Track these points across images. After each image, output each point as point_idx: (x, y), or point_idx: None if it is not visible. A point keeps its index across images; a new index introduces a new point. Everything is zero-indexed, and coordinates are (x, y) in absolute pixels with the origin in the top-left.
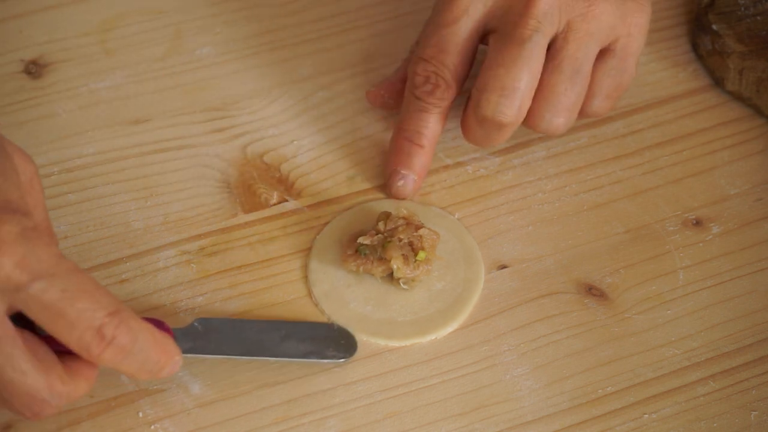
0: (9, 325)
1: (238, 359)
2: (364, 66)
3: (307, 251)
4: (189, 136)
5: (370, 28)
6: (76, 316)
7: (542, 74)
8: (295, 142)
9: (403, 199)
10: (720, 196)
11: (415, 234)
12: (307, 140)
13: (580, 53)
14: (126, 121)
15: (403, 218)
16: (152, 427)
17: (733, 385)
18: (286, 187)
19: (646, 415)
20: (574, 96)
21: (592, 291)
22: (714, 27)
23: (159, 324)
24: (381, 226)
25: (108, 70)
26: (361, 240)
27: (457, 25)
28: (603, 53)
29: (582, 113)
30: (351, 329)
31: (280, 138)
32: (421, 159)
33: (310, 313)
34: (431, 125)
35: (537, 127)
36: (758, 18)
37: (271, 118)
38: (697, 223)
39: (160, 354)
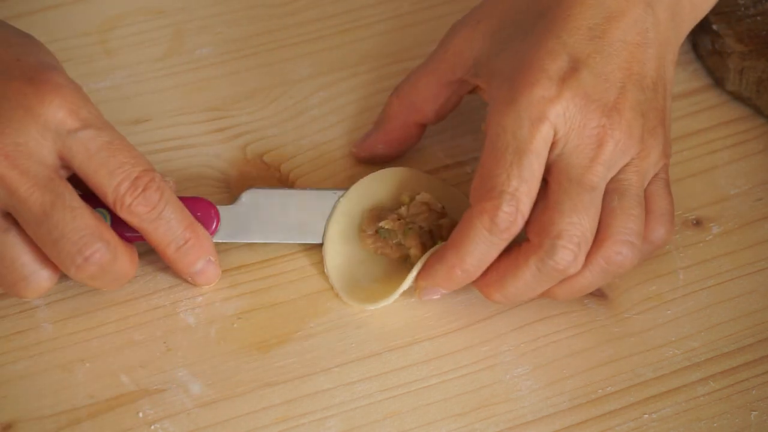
0: (58, 169)
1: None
2: (363, 66)
3: (307, 251)
4: (189, 136)
5: (370, 28)
6: (116, 166)
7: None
8: (295, 142)
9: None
10: (720, 196)
11: (436, 223)
12: (307, 140)
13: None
14: (126, 121)
15: (426, 203)
16: (152, 427)
17: (733, 385)
18: (286, 187)
19: (646, 415)
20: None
21: (593, 291)
22: (714, 27)
23: (203, 202)
24: (404, 210)
25: (108, 70)
26: (382, 224)
27: (537, 152)
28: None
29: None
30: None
31: (280, 138)
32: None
33: (310, 313)
34: (494, 256)
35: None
36: (758, 18)
37: (271, 118)
38: (697, 223)
39: (187, 228)
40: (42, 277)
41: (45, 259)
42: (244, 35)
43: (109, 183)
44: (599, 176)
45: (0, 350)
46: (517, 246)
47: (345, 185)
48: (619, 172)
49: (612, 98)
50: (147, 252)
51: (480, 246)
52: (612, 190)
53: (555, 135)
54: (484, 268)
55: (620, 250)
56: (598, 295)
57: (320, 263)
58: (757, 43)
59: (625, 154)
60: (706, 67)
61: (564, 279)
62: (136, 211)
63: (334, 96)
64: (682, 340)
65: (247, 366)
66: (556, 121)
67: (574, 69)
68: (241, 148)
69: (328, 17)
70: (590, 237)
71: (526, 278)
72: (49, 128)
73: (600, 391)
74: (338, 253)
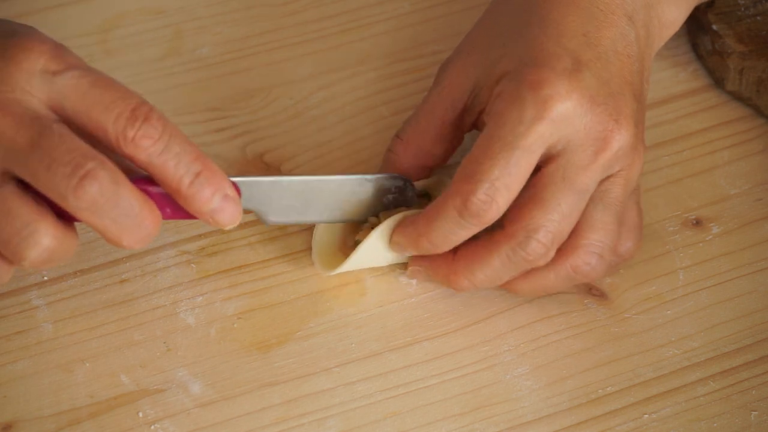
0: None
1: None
2: (363, 66)
3: (307, 251)
4: (189, 136)
5: (370, 28)
6: (111, 100)
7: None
8: (295, 142)
9: None
10: (720, 196)
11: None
12: (307, 140)
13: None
14: None
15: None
16: (152, 427)
17: (733, 385)
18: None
19: (646, 415)
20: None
21: (593, 291)
22: (714, 27)
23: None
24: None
25: (108, 70)
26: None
27: (531, 149)
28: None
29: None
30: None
31: (280, 138)
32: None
33: (309, 314)
34: (464, 237)
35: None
36: (758, 18)
37: (271, 117)
38: (697, 223)
39: (196, 160)
40: (41, 230)
41: (45, 211)
42: (244, 35)
43: (106, 118)
44: (593, 179)
45: (0, 350)
46: (487, 234)
47: None
48: (606, 181)
49: (616, 104)
50: (146, 252)
51: (448, 224)
52: (597, 199)
53: (557, 134)
54: (450, 246)
55: (589, 261)
56: (598, 295)
57: None
58: (757, 43)
59: (620, 161)
60: (706, 67)
61: (528, 275)
62: (141, 143)
63: (334, 96)
64: (682, 340)
65: (247, 366)
66: (559, 121)
67: (577, 70)
68: (241, 148)
69: (328, 17)
70: (565, 235)
71: (495, 265)
72: (34, 74)
73: (600, 391)
74: (328, 253)
